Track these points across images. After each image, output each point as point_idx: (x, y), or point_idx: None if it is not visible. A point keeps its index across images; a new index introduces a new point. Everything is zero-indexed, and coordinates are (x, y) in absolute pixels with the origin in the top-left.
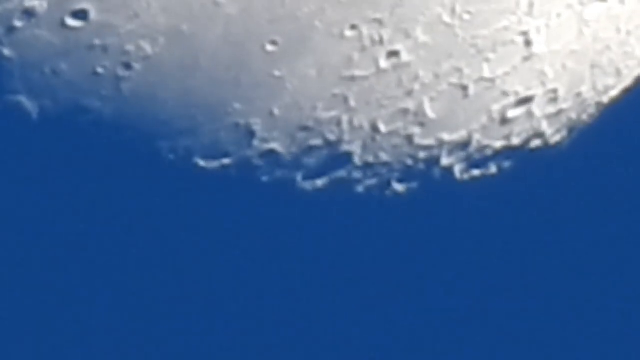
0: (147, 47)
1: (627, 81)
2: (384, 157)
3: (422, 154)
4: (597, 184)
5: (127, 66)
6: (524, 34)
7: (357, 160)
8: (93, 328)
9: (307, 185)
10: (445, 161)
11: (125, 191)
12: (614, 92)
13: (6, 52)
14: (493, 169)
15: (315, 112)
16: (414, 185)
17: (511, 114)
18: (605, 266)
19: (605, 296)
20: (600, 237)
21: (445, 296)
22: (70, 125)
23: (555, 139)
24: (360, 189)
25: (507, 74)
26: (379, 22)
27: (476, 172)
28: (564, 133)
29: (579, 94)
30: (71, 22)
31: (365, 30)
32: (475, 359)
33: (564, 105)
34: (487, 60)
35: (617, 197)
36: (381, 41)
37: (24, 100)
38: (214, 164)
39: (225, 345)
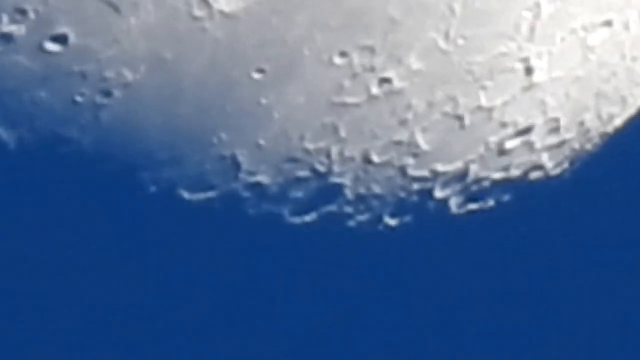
0: (128, 74)
1: (632, 109)
2: (376, 189)
3: (415, 186)
4: (601, 218)
5: (107, 94)
6: (524, 60)
7: (347, 192)
8: None
9: (296, 219)
10: (440, 194)
11: (106, 225)
12: (619, 121)
13: None
14: (491, 202)
15: (304, 142)
16: (407, 219)
17: (510, 144)
18: (608, 303)
19: (606, 332)
20: (604, 275)
21: (439, 337)
22: (48, 156)
23: (556, 170)
24: (351, 223)
25: (505, 102)
26: (370, 48)
27: (473, 206)
28: (566, 164)
29: (581, 123)
30: (50, 46)
31: (355, 56)
32: None
33: (565, 135)
34: (484, 88)
35: (621, 231)
36: (372, 68)
37: (0, 130)
38: (198, 197)
39: None
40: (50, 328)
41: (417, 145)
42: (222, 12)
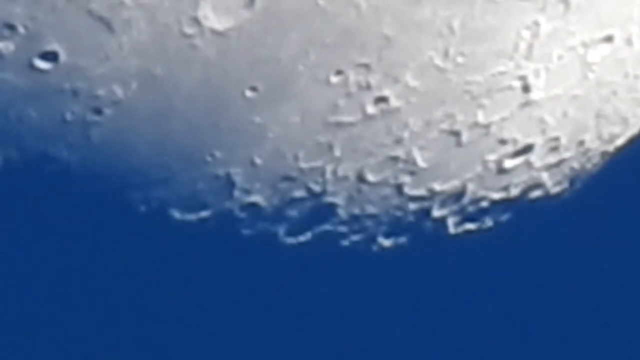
0: (119, 92)
1: (634, 129)
2: (371, 209)
3: (412, 206)
4: (602, 239)
5: (98, 111)
6: (522, 78)
7: (342, 212)
8: None
9: (290, 239)
10: (437, 213)
11: (96, 246)
12: (620, 141)
13: None
14: (489, 222)
15: (298, 161)
16: (403, 239)
17: (508, 163)
18: (609, 324)
19: (606, 352)
20: (605, 296)
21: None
22: (37, 176)
23: (556, 190)
24: (345, 243)
25: (504, 120)
26: (366, 66)
27: (470, 226)
28: (566, 184)
29: (581, 143)
30: (40, 63)
31: (351, 74)
32: None
33: (565, 155)
34: (482, 106)
35: (623, 252)
36: (368, 86)
37: None
38: (190, 217)
39: None
40: (38, 349)
41: (413, 164)
42: (213, 30)
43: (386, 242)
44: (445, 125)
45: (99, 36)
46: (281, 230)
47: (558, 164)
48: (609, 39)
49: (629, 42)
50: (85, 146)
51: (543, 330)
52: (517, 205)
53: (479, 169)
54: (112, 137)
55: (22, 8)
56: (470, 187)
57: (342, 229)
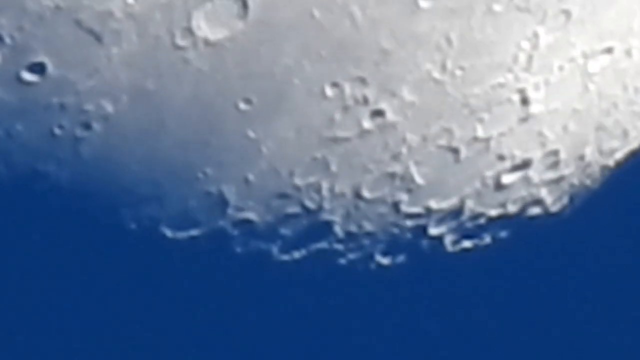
0: (109, 106)
1: (634, 143)
2: (368, 226)
3: (409, 223)
4: (602, 257)
5: (87, 126)
6: (521, 91)
7: (338, 230)
8: None
9: (285, 257)
10: (434, 231)
11: (85, 265)
12: (620, 155)
13: None
14: (487, 239)
15: (293, 177)
16: (400, 257)
17: (507, 179)
18: (608, 342)
19: None
20: (604, 315)
21: None
22: (24, 192)
23: (555, 206)
24: (341, 261)
25: (502, 135)
26: (363, 79)
27: (468, 243)
28: (565, 200)
29: (581, 157)
30: (27, 76)
31: (347, 88)
32: None
33: (565, 170)
34: (481, 120)
35: (622, 270)
36: (365, 100)
37: None
38: (182, 235)
39: None
40: None
41: (411, 180)
42: (206, 41)
43: (383, 261)
44: (443, 141)
45: (88, 48)
46: (275, 248)
47: (557, 180)
48: (609, 50)
49: (628, 53)
50: (74, 162)
51: (542, 348)
52: (516, 222)
53: (477, 185)
54: (102, 152)
55: (9, 19)
56: (468, 203)
57: (339, 247)
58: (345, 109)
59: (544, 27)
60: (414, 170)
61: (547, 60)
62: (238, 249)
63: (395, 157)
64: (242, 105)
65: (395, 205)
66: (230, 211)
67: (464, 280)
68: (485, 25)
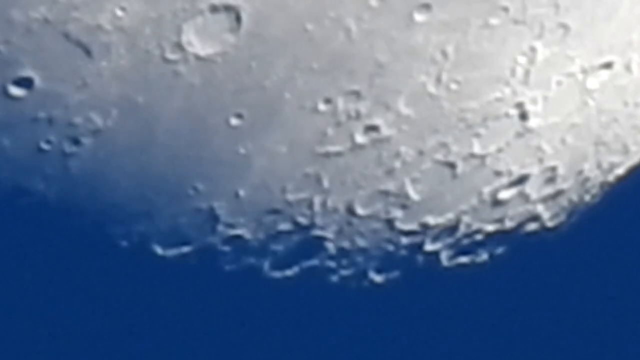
0: (98, 120)
1: (634, 158)
2: (361, 243)
3: (404, 240)
4: (600, 274)
5: (75, 141)
6: (519, 105)
7: (331, 246)
8: None
9: (276, 274)
10: (430, 247)
11: (73, 282)
12: (620, 171)
13: None
14: (484, 255)
15: (285, 193)
16: (394, 275)
17: (504, 195)
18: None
19: None
20: (602, 332)
21: None
22: (11, 209)
23: (552, 222)
24: (334, 279)
25: (499, 150)
26: (356, 93)
27: (465, 260)
28: (563, 216)
29: (580, 173)
30: (14, 90)
31: (340, 102)
32: None
33: (563, 186)
34: (477, 135)
35: (621, 287)
36: (358, 114)
37: None
38: (173, 252)
39: None
40: None
41: (406, 196)
42: (197, 56)
43: (377, 278)
44: (439, 156)
45: (77, 61)
46: (267, 265)
47: (555, 195)
48: (608, 65)
49: (628, 68)
50: (62, 178)
51: None
52: (513, 239)
53: (473, 201)
54: (91, 168)
55: None
56: (465, 219)
57: (331, 263)
58: (338, 123)
59: (541, 40)
60: (409, 186)
61: (545, 74)
62: (229, 266)
63: (390, 172)
64: (233, 120)
65: (389, 222)
66: (220, 227)
67: (460, 297)
68: (482, 38)
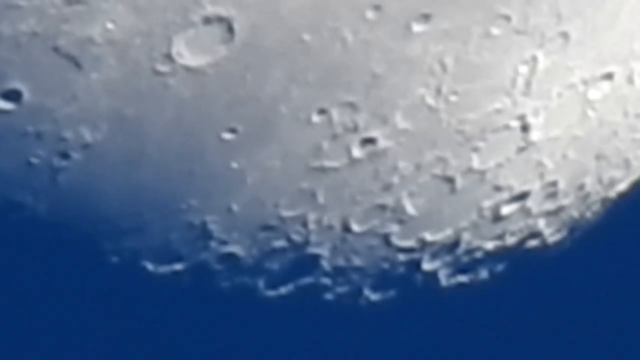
0: (88, 134)
1: (636, 173)
2: (357, 260)
3: (401, 257)
4: (602, 291)
5: (65, 155)
6: (520, 117)
7: (326, 264)
8: None
9: (270, 292)
10: (428, 265)
11: (62, 299)
12: (622, 186)
13: None
14: (484, 273)
15: (279, 209)
16: (391, 293)
17: (504, 210)
18: None
19: None
20: (604, 351)
21: None
22: (0, 224)
23: (554, 239)
24: (329, 297)
25: (499, 164)
26: (353, 105)
27: (464, 278)
28: (564, 232)
29: (581, 188)
30: (2, 104)
31: (336, 114)
32: None
33: (564, 201)
34: (477, 149)
35: (623, 304)
36: (354, 127)
37: None
38: (164, 269)
39: None
40: None
41: (403, 212)
42: (187, 68)
43: (373, 296)
44: (437, 170)
45: (66, 74)
46: (261, 283)
47: (556, 211)
48: (609, 76)
49: (630, 80)
50: (52, 193)
51: None
52: (513, 255)
53: (473, 216)
54: (80, 182)
55: None
56: (464, 236)
57: (326, 281)
58: (334, 136)
59: (542, 50)
60: (406, 201)
61: (546, 85)
62: (222, 284)
63: (387, 187)
64: (226, 134)
65: (386, 238)
66: (213, 244)
67: (459, 317)
68: (482, 48)
